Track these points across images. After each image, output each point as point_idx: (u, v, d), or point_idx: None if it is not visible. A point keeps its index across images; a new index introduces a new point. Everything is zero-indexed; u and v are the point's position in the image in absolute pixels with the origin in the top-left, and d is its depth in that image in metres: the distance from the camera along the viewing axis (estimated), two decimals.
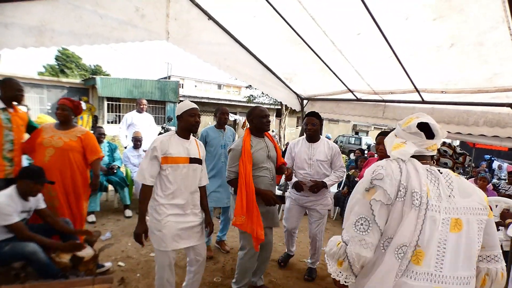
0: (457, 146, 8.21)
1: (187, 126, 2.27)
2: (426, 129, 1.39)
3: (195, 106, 2.29)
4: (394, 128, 1.54)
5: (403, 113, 3.78)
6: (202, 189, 2.47)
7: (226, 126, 3.68)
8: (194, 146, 2.33)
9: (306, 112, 3.23)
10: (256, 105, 2.74)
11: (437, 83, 3.15)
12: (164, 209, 2.21)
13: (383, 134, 2.86)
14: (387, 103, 3.95)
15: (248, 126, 2.64)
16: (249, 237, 2.50)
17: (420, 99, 3.48)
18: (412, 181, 1.25)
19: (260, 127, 2.56)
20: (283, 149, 8.96)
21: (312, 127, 3.01)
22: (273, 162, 2.65)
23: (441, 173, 1.33)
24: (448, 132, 4.59)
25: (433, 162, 1.41)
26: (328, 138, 7.88)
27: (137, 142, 5.13)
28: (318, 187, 3.03)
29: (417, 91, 3.35)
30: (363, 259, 1.27)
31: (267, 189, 2.54)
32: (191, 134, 2.37)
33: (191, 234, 2.32)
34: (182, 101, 16.94)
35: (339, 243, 1.34)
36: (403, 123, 1.44)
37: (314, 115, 3.05)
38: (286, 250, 3.54)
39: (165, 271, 2.26)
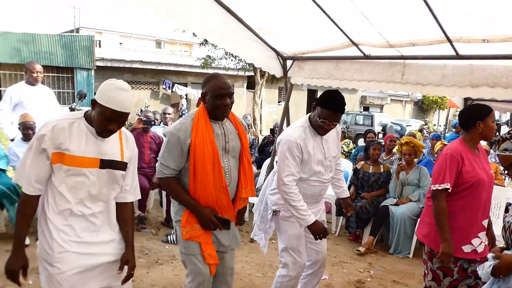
0: None
1: (95, 125, 2.12)
2: None
3: (123, 109, 2.08)
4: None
5: (430, 74, 3.93)
6: (127, 208, 2.40)
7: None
8: (113, 142, 2.22)
9: (327, 97, 2.90)
10: (215, 72, 2.67)
11: (477, 28, 3.29)
12: (58, 233, 2.14)
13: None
14: (407, 61, 4.08)
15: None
16: (195, 258, 2.55)
17: (454, 53, 3.63)
18: None
19: (212, 111, 2.52)
20: (260, 141, 8.96)
21: (332, 127, 2.94)
22: (235, 157, 2.66)
23: None
24: (493, 100, 4.83)
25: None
26: None
27: (27, 130, 4.98)
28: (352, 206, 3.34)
29: (449, 41, 3.48)
30: None
31: (216, 198, 2.55)
32: None
33: (106, 272, 2.27)
34: (100, 67, 16.30)
35: None
36: None
37: (341, 109, 2.89)
38: None
39: None
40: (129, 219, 2.39)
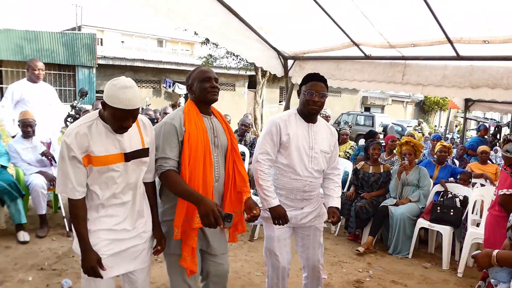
0: None
1: (109, 123, 2.22)
2: None
3: (132, 107, 2.15)
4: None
5: (431, 74, 3.93)
6: (149, 187, 2.52)
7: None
8: (132, 133, 2.31)
9: (306, 75, 3.04)
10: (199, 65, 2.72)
11: (477, 29, 3.29)
12: (91, 225, 2.28)
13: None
14: (408, 61, 4.09)
15: (189, 96, 2.66)
16: (179, 258, 2.56)
17: (454, 54, 3.64)
18: None
19: (202, 96, 2.55)
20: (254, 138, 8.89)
21: (319, 99, 2.90)
22: (222, 154, 2.65)
23: None
24: (494, 101, 4.84)
25: None
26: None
27: (26, 127, 4.98)
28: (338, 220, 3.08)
29: (450, 41, 3.49)
30: None
31: (203, 192, 2.48)
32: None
33: (133, 256, 2.41)
34: (101, 65, 16.30)
35: None
36: None
37: (322, 79, 2.96)
38: None
39: None
40: (152, 197, 2.54)
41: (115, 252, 2.33)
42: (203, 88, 2.52)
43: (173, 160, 2.45)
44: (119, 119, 2.16)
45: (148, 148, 2.40)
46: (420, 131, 16.75)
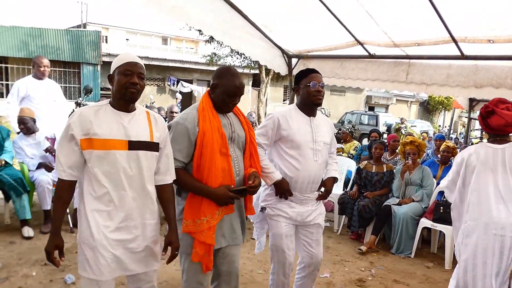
0: None
1: (118, 90, 2.20)
2: None
3: (134, 60, 2.24)
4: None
5: (435, 74, 3.93)
6: (167, 190, 2.44)
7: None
8: (141, 123, 2.28)
9: (301, 71, 3.10)
10: (229, 67, 2.67)
11: (482, 29, 3.29)
12: (97, 218, 2.20)
13: None
14: (412, 60, 4.08)
15: (210, 92, 2.62)
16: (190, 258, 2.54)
17: (459, 53, 3.62)
18: None
19: (220, 104, 2.55)
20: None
21: (322, 89, 3.00)
22: (239, 148, 2.64)
23: None
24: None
25: None
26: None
27: (19, 124, 4.97)
28: (329, 191, 3.16)
29: (454, 41, 3.48)
30: None
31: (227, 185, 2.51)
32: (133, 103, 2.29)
33: (138, 258, 2.33)
34: (106, 62, 16.33)
35: None
36: None
37: (318, 71, 3.07)
38: None
39: None
40: (170, 200, 2.44)
41: (122, 253, 2.25)
42: (224, 100, 2.53)
43: (179, 161, 2.46)
44: (126, 75, 2.18)
45: (157, 144, 2.33)
46: (405, 129, 16.55)
